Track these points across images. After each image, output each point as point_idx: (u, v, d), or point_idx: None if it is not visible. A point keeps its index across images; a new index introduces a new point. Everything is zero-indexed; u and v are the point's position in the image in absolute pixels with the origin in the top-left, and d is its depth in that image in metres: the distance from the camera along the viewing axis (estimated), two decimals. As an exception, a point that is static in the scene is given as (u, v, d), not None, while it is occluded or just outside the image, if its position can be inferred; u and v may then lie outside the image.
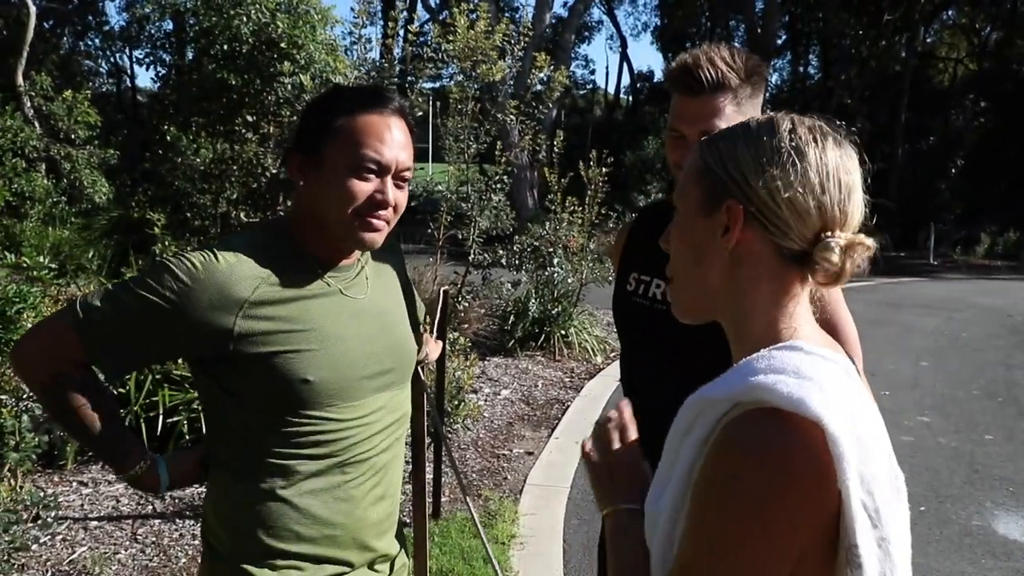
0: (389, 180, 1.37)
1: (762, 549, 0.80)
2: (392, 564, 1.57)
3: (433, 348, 2.01)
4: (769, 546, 0.80)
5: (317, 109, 1.40)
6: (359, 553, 1.46)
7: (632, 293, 1.75)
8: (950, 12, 27.57)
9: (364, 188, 1.35)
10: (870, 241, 0.92)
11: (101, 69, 29.16)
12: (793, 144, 0.91)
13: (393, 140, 1.37)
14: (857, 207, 0.93)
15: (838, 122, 0.97)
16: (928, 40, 28.16)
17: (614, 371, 7.03)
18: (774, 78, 29.94)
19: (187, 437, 4.23)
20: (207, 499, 1.48)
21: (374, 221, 1.37)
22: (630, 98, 36.69)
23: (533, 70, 6.87)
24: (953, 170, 21.40)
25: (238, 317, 1.31)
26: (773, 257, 0.92)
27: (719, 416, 0.86)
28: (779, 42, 27.60)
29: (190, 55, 8.25)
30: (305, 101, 7.02)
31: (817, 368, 0.86)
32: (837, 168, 0.92)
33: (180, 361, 4.35)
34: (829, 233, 0.90)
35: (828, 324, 1.58)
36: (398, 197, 1.40)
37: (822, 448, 0.79)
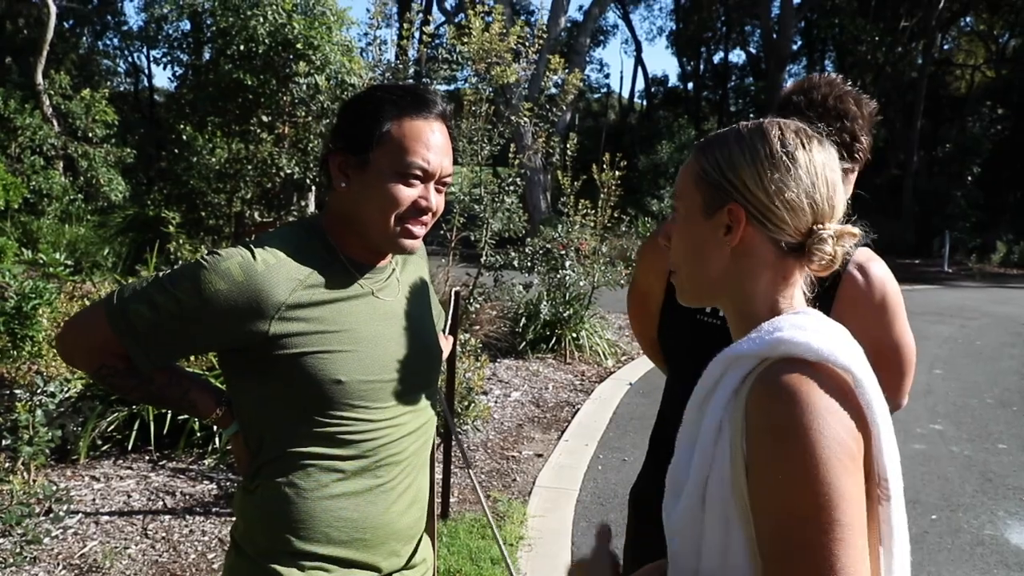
0: (432, 186, 1.38)
1: (837, 468, 0.87)
2: (419, 568, 1.55)
3: (444, 344, 2.02)
4: (840, 469, 0.87)
5: (362, 111, 1.37)
6: (387, 558, 1.45)
7: (697, 310, 1.66)
8: (968, 18, 27.39)
9: (409, 194, 1.35)
10: (856, 229, 1.03)
11: (119, 68, 29.41)
12: (785, 149, 1.01)
13: (438, 146, 1.36)
14: (841, 199, 1.04)
15: (817, 125, 1.08)
16: (945, 47, 28.00)
17: (625, 374, 7.02)
18: (789, 84, 29.82)
19: (198, 434, 4.26)
20: (237, 497, 1.47)
21: (414, 228, 1.38)
22: (644, 102, 36.66)
23: (547, 73, 6.88)
24: (969, 178, 21.22)
25: (273, 320, 1.30)
26: (772, 250, 1.02)
27: (746, 371, 0.97)
28: (794, 48, 27.53)
29: (207, 55, 8.30)
30: (320, 102, 7.07)
31: (830, 328, 0.99)
32: (824, 167, 1.02)
33: (192, 358, 4.38)
34: (821, 226, 1.01)
35: (877, 348, 1.57)
36: (439, 202, 1.40)
37: (851, 392, 0.93)
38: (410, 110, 1.35)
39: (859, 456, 0.90)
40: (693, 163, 1.08)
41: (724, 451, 0.95)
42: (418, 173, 1.34)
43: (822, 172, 1.02)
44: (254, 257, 1.31)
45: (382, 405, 1.41)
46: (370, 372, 1.38)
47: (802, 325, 0.96)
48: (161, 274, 1.35)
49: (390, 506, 1.43)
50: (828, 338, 0.94)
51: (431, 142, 1.35)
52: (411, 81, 6.64)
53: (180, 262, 6.33)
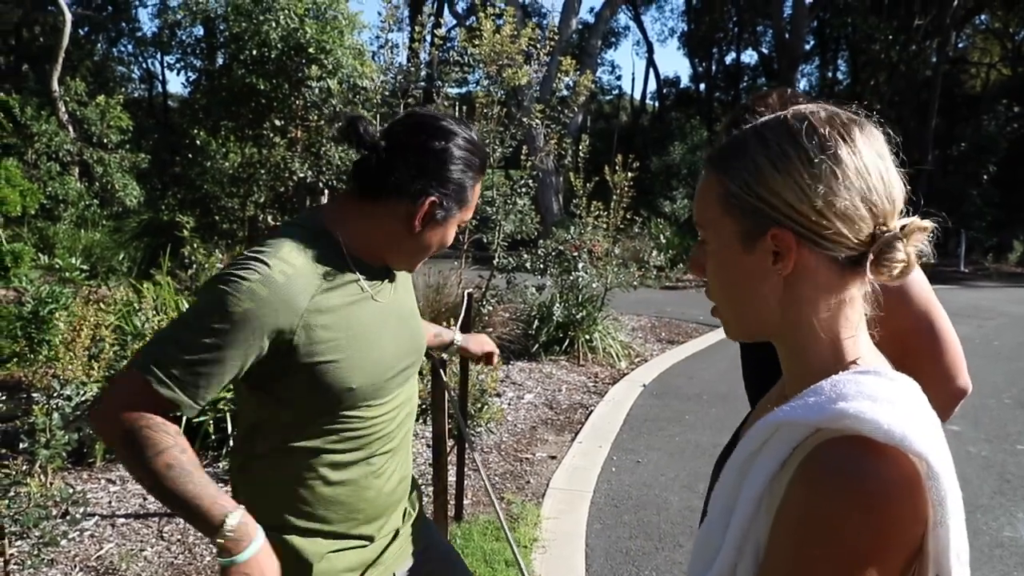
0: None
1: None
2: (407, 521, 1.68)
3: (472, 339, 2.16)
4: None
5: (467, 165, 1.46)
6: (379, 529, 1.57)
7: None
8: (983, 16, 27.18)
9: (450, 237, 1.52)
10: (926, 223, 0.85)
11: (133, 75, 29.66)
12: (825, 150, 0.83)
13: None
14: (899, 188, 0.87)
15: (848, 105, 0.91)
16: (960, 45, 27.79)
17: (638, 376, 7.00)
18: (802, 84, 29.70)
19: (212, 437, 4.27)
20: (232, 477, 1.54)
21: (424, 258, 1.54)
22: (656, 104, 36.61)
23: (559, 75, 6.87)
24: (985, 176, 21.03)
25: (298, 329, 1.33)
26: (830, 269, 0.85)
27: (798, 441, 0.81)
28: (807, 47, 27.40)
29: (220, 60, 8.35)
30: (332, 105, 7.09)
31: (902, 395, 0.82)
32: (875, 158, 0.85)
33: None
34: (884, 228, 0.84)
35: (906, 334, 1.50)
36: None
37: (919, 485, 0.76)
38: (480, 172, 1.49)
39: (902, 561, 0.77)
40: (714, 184, 0.90)
41: (762, 528, 0.82)
42: (463, 223, 1.51)
43: (874, 165, 0.84)
44: (271, 268, 1.32)
45: (381, 401, 1.48)
46: (374, 375, 1.44)
47: (872, 394, 0.79)
48: (179, 317, 1.35)
49: (382, 488, 1.53)
50: (904, 414, 0.78)
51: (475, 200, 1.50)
52: (423, 84, 6.66)
53: (195, 266, 6.38)
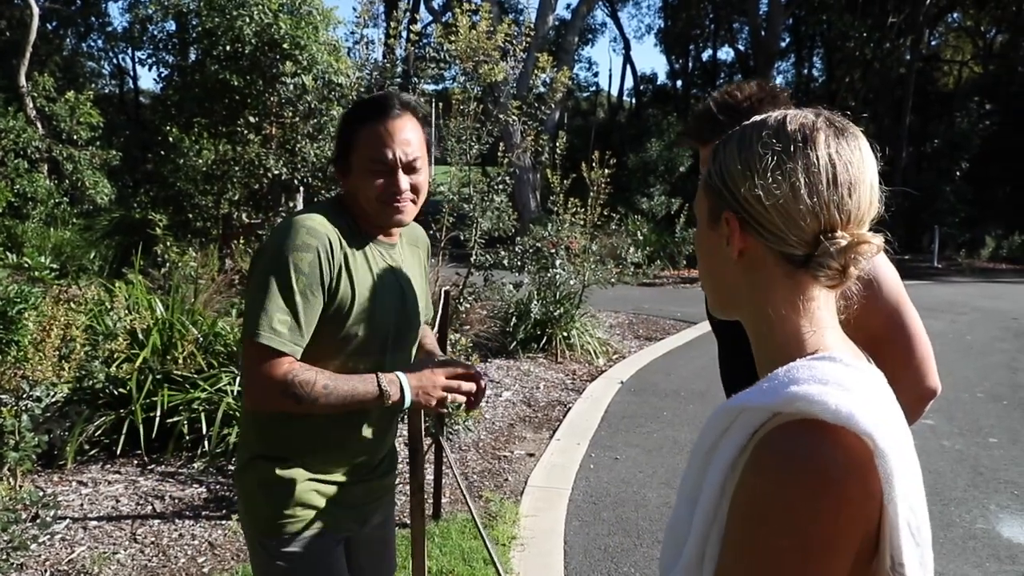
0: (399, 172, 1.67)
1: (815, 568, 0.76)
2: (387, 477, 1.90)
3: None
4: (821, 566, 0.76)
5: (342, 125, 1.73)
6: (355, 459, 1.77)
7: None
8: (955, 14, 27.52)
9: (379, 182, 1.66)
10: (877, 239, 0.87)
11: (104, 70, 29.22)
12: (779, 146, 0.87)
13: (395, 140, 1.65)
14: (863, 201, 0.88)
15: (832, 106, 0.94)
16: (933, 43, 28.11)
17: (616, 373, 7.01)
18: (778, 81, 29.89)
19: (187, 438, 4.22)
20: (241, 430, 1.83)
21: (396, 205, 1.68)
22: (633, 100, 36.67)
23: (535, 71, 6.86)
24: (957, 173, 21.28)
25: (335, 271, 1.62)
26: (777, 263, 0.89)
27: (756, 426, 0.83)
28: (783, 45, 27.59)
29: (193, 56, 8.24)
30: (307, 102, 7.03)
31: (858, 381, 0.83)
32: (831, 165, 0.87)
33: (180, 361, 4.35)
34: (830, 234, 0.86)
35: (886, 338, 1.51)
36: (415, 181, 1.70)
37: (868, 464, 0.77)
38: (369, 116, 1.67)
39: (855, 540, 0.78)
40: (709, 165, 0.99)
41: (724, 514, 0.84)
42: (380, 167, 1.65)
43: (827, 171, 0.86)
44: (305, 222, 1.61)
45: (373, 358, 1.71)
46: (373, 325, 1.68)
47: (824, 378, 0.81)
48: (259, 285, 1.58)
49: (363, 432, 1.75)
50: (854, 396, 0.79)
51: (386, 139, 1.65)
52: (399, 80, 6.62)
53: (168, 264, 6.29)
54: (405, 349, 1.82)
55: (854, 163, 0.88)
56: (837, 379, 0.81)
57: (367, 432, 1.76)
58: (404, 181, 1.67)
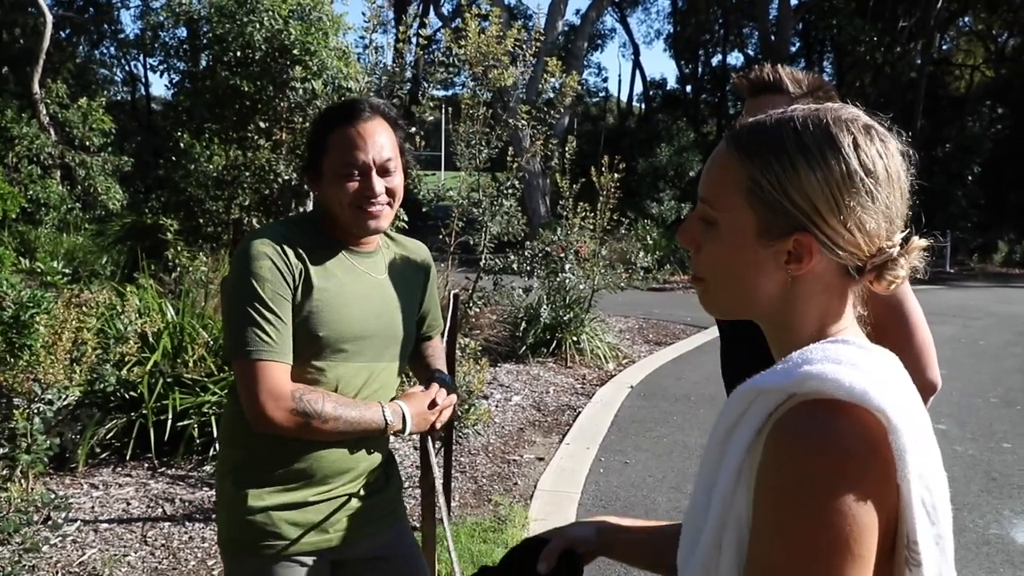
0: (373, 175, 1.63)
1: (849, 545, 0.75)
2: (378, 495, 1.79)
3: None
4: (858, 541, 0.75)
5: (312, 131, 1.71)
6: (326, 492, 1.68)
7: None
8: (966, 18, 27.41)
9: (352, 186, 1.62)
10: (924, 241, 0.88)
11: (116, 77, 29.36)
12: (865, 165, 0.83)
13: (367, 143, 1.62)
14: (907, 204, 0.88)
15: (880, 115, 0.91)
16: (944, 47, 27.99)
17: (625, 377, 7.00)
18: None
19: (197, 441, 4.23)
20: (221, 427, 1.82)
21: (371, 209, 1.64)
22: (643, 106, 36.64)
23: (545, 76, 6.86)
24: (969, 177, 21.15)
25: (294, 269, 1.60)
26: (836, 274, 0.87)
27: (772, 407, 0.82)
28: (793, 49, 27.53)
29: (204, 62, 8.28)
30: (317, 107, 7.06)
31: (872, 361, 0.84)
32: (900, 174, 0.86)
33: (191, 365, 4.36)
34: (890, 243, 0.86)
35: (887, 328, 1.51)
36: (389, 184, 1.66)
37: (883, 441, 0.77)
38: (338, 121, 1.64)
39: (875, 527, 0.76)
40: (735, 167, 0.88)
41: (743, 500, 0.82)
42: (352, 170, 1.62)
43: (899, 182, 0.86)
44: (255, 235, 1.62)
45: (343, 363, 1.65)
46: (339, 329, 1.63)
47: (837, 358, 0.81)
48: (231, 309, 1.60)
49: (337, 453, 1.67)
50: (867, 374, 0.79)
51: (358, 143, 1.62)
52: (408, 84, 6.64)
53: (178, 269, 6.32)
54: (390, 360, 1.75)
55: (902, 169, 0.88)
56: (851, 359, 0.81)
57: (341, 452, 1.69)
58: (378, 184, 1.63)
